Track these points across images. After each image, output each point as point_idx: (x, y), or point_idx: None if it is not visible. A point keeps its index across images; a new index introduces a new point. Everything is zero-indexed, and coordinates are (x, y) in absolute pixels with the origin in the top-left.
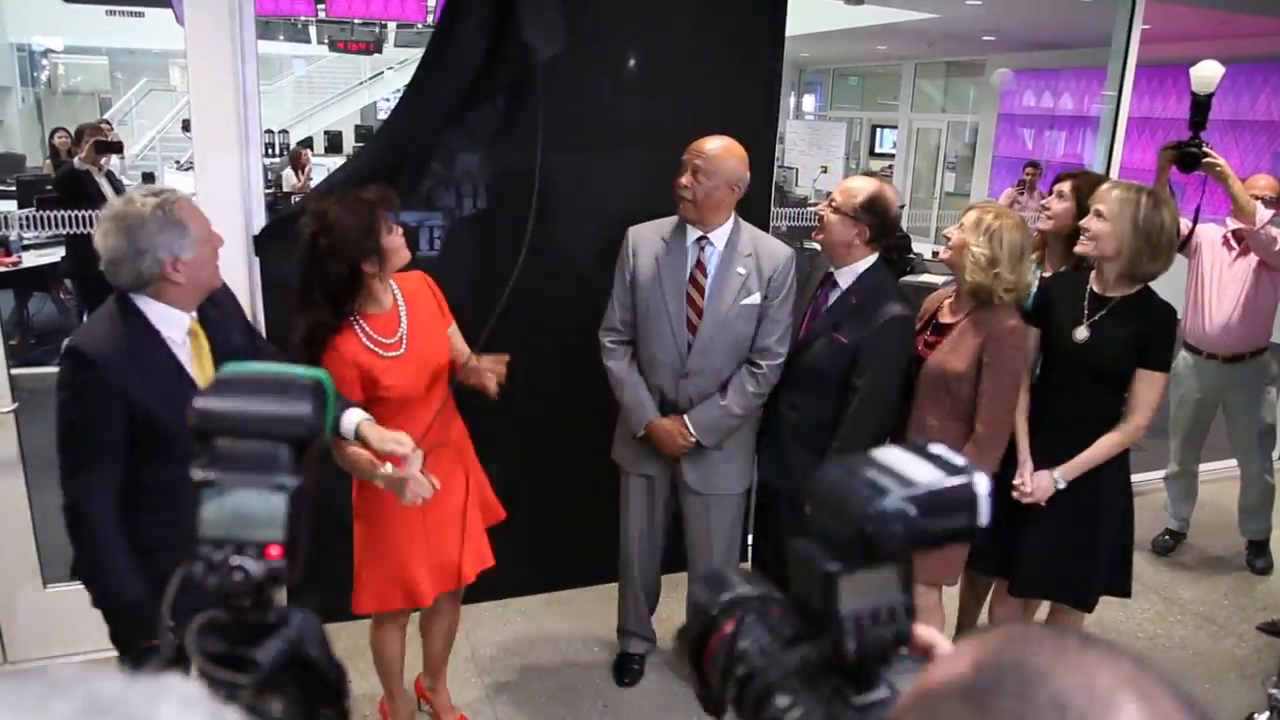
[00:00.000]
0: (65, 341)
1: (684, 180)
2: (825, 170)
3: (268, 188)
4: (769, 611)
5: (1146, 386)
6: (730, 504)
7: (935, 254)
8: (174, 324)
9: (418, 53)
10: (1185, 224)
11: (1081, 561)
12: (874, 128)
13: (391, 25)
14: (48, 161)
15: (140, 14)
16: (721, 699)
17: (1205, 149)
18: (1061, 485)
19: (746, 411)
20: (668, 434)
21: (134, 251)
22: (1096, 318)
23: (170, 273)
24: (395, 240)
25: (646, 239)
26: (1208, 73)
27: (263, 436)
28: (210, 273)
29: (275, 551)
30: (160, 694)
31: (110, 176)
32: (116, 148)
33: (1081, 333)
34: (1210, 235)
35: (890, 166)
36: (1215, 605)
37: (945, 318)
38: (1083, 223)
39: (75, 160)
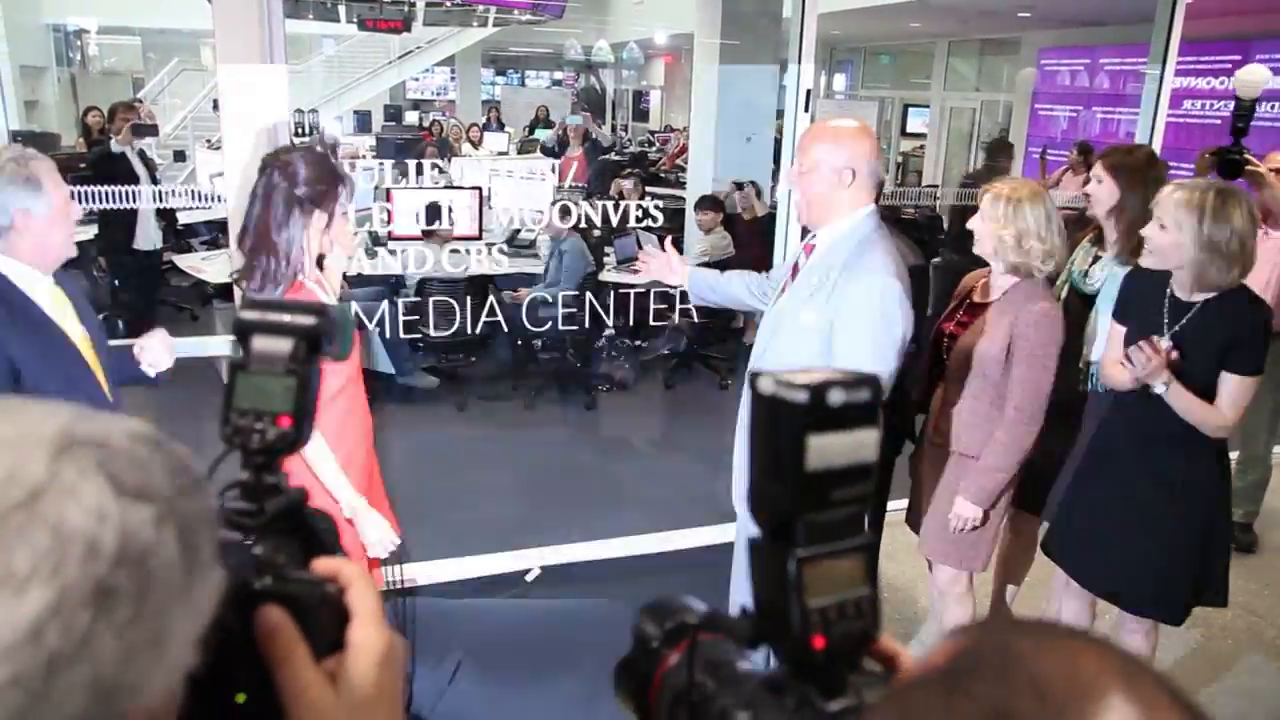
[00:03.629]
0: None
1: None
2: None
3: None
4: (718, 631)
5: (1232, 387)
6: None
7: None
8: (34, 281)
9: (447, 31)
10: None
11: (1149, 563)
12: (906, 107)
13: (421, 3)
14: (80, 140)
15: None
16: None
17: (1247, 155)
18: (1161, 390)
19: None
20: None
21: None
22: (1179, 327)
23: (19, 225)
24: (344, 225)
25: None
26: (1254, 77)
27: (283, 334)
28: (62, 238)
29: (285, 421)
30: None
31: (142, 155)
32: (153, 130)
33: (1164, 345)
34: None
35: (922, 146)
36: (1256, 595)
37: (979, 298)
38: (1143, 232)
39: (113, 142)
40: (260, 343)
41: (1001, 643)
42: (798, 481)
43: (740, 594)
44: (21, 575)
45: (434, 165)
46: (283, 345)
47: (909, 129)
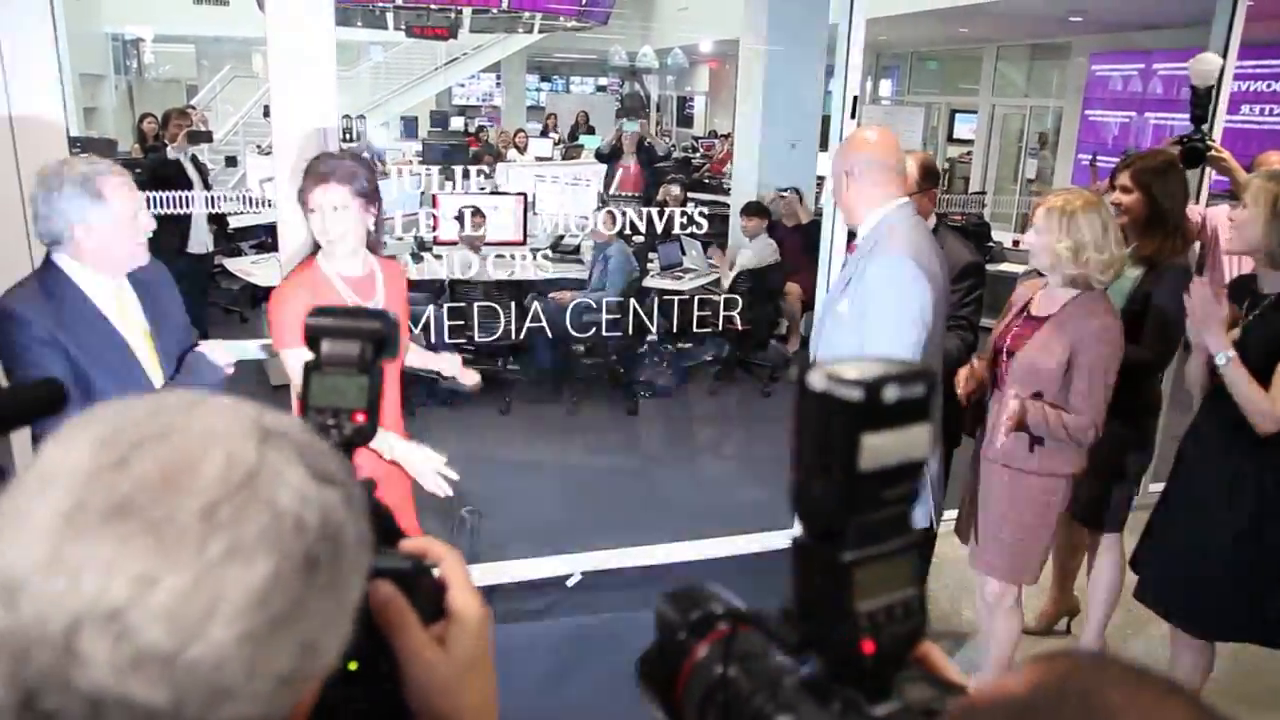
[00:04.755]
0: None
1: None
2: None
3: None
4: (752, 627)
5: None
6: None
7: (1016, 242)
8: (96, 285)
9: (493, 38)
10: (1197, 212)
11: (1198, 578)
12: (953, 112)
13: (467, 10)
14: (136, 146)
15: (225, 2)
16: None
17: (1209, 142)
18: (1222, 362)
19: None
20: None
21: (43, 207)
22: (1250, 317)
23: (79, 236)
24: (315, 220)
25: None
26: (1207, 65)
27: (351, 338)
28: (128, 247)
29: (360, 417)
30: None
31: (195, 160)
32: (207, 137)
33: (1234, 334)
34: (1221, 216)
35: (969, 153)
36: None
37: (1037, 310)
38: (1231, 214)
39: (170, 149)
40: (330, 346)
41: (1090, 688)
42: (850, 482)
43: None
44: (250, 547)
45: (480, 171)
46: (351, 348)
47: (956, 135)
